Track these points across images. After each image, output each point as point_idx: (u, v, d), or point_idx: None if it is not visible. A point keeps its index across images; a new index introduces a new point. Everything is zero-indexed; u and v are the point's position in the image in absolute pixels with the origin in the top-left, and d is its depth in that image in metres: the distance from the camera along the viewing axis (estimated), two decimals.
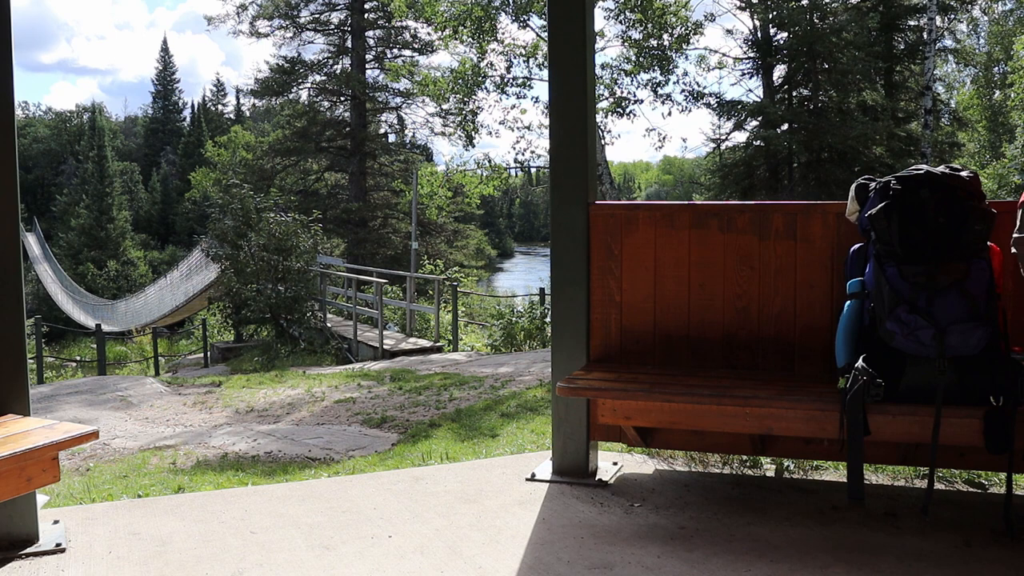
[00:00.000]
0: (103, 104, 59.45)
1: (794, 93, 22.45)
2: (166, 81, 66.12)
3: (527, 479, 3.27)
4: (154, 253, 49.07)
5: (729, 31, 24.55)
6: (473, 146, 18.48)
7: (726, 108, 21.60)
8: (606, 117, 17.75)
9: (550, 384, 3.59)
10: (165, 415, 8.00)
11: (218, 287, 18.93)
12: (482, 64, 17.14)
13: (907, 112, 21.85)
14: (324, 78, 34.76)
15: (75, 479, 4.94)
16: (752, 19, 22.35)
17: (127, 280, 41.74)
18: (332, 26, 34.49)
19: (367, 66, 34.40)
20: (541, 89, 18.14)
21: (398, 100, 34.92)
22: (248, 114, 62.35)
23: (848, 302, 2.61)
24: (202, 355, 19.03)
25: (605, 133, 17.71)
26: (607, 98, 17.73)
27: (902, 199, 2.46)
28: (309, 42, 34.83)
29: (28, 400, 2.68)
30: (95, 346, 16.81)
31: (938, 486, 3.11)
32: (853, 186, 2.69)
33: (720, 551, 2.56)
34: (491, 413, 6.49)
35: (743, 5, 21.96)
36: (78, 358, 22.25)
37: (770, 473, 3.34)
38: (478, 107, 17.80)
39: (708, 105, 20.76)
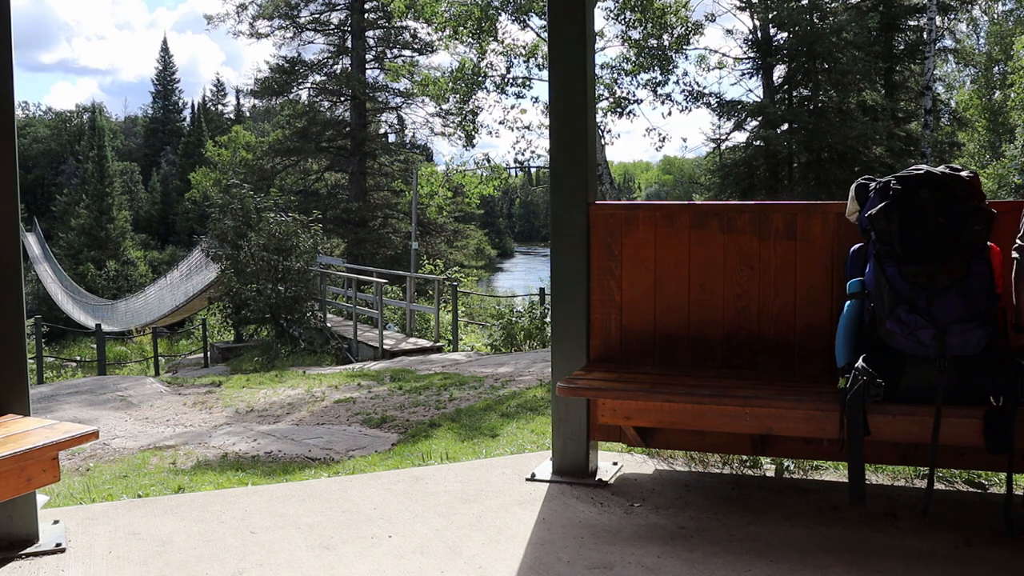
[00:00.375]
0: (103, 104, 59.63)
1: (794, 93, 22.45)
2: (166, 81, 66.14)
3: (527, 479, 3.27)
4: (154, 253, 49.09)
5: (729, 31, 24.57)
6: (473, 146, 18.51)
7: (726, 108, 21.60)
8: (606, 117, 17.76)
9: (550, 384, 3.59)
10: (165, 415, 8.00)
11: (218, 287, 18.93)
12: (482, 64, 17.14)
13: (907, 112, 21.85)
14: (324, 78, 34.78)
15: (75, 479, 4.94)
16: (752, 19, 22.36)
17: (127, 280, 41.75)
18: (332, 26, 34.50)
19: (367, 66, 34.41)
20: (541, 89, 18.17)
21: (398, 100, 34.97)
22: (248, 114, 62.37)
23: (848, 302, 2.61)
24: (202, 355, 19.03)
25: (605, 133, 17.73)
26: (607, 98, 17.74)
27: (902, 199, 2.46)
28: (309, 42, 34.89)
29: (28, 400, 2.68)
30: (95, 346, 16.81)
31: (938, 486, 3.11)
32: (853, 186, 2.69)
33: (720, 551, 2.56)
34: (491, 413, 6.49)
35: (743, 5, 21.96)
36: (78, 358, 22.25)
37: (770, 473, 3.34)
38: (478, 107, 17.82)
39: (708, 105, 20.78)
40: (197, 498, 3.26)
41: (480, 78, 17.14)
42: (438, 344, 13.82)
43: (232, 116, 65.17)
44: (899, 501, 2.96)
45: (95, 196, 45.44)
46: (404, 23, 31.62)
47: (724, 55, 22.53)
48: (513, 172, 19.52)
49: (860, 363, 2.42)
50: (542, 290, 15.25)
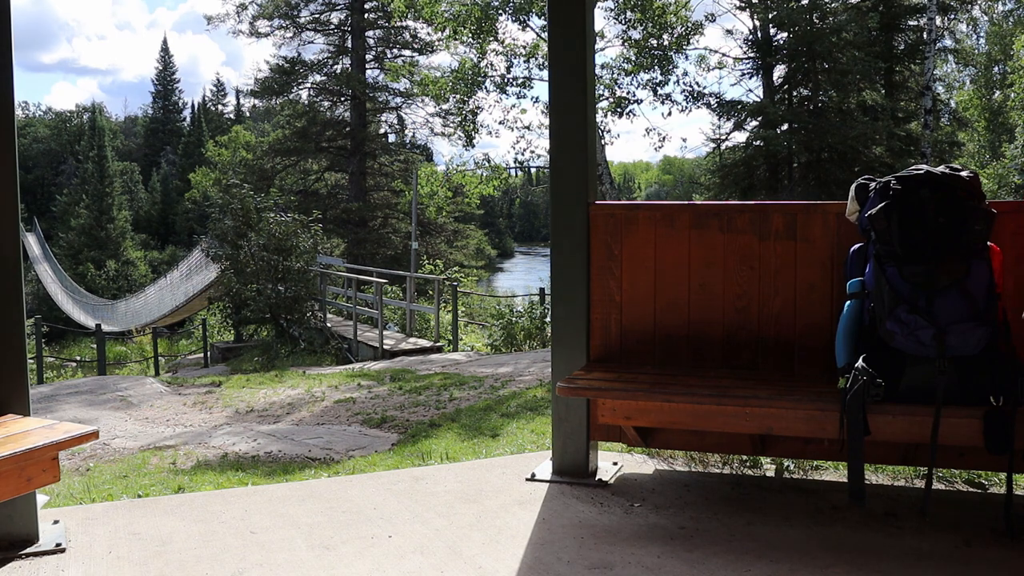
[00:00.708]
0: (103, 104, 59.62)
1: (794, 93, 22.45)
2: (166, 81, 66.15)
3: (527, 479, 3.27)
4: (154, 253, 49.10)
5: (729, 31, 24.55)
6: (473, 146, 18.49)
7: (726, 108, 21.60)
8: (606, 117, 17.75)
9: (550, 384, 3.59)
10: (165, 415, 8.00)
11: (218, 287, 18.93)
12: (482, 64, 17.14)
13: (907, 112, 21.85)
14: (324, 78, 34.79)
15: (75, 479, 4.94)
16: (752, 19, 22.37)
17: (127, 280, 41.76)
18: (332, 26, 34.51)
19: (367, 66, 34.42)
20: (541, 89, 18.17)
21: (398, 100, 34.99)
22: (248, 114, 62.38)
23: (848, 302, 2.61)
24: (202, 355, 19.03)
25: (605, 133, 17.72)
26: (607, 98, 17.73)
27: (902, 199, 2.46)
28: (309, 42, 34.90)
29: (28, 400, 2.68)
30: (95, 346, 16.81)
31: (938, 486, 3.11)
32: (853, 186, 2.69)
33: (720, 551, 2.56)
34: (491, 413, 6.49)
35: (743, 5, 21.96)
36: (78, 358, 22.25)
37: (770, 473, 3.34)
38: (478, 107, 17.81)
39: (708, 105, 20.78)
40: (197, 498, 3.26)
41: (480, 78, 17.14)
42: (438, 344, 13.82)
43: (232, 116, 65.21)
44: (899, 501, 2.96)
45: (95, 196, 45.44)
46: (404, 23, 31.64)
47: (724, 55, 22.56)
48: (513, 172, 19.52)
49: (860, 363, 2.42)
50: (542, 290, 15.25)
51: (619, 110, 17.73)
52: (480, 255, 40.76)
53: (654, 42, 17.28)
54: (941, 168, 2.49)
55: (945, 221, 2.41)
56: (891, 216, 2.44)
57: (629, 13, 17.14)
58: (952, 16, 22.74)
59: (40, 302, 36.76)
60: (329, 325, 16.60)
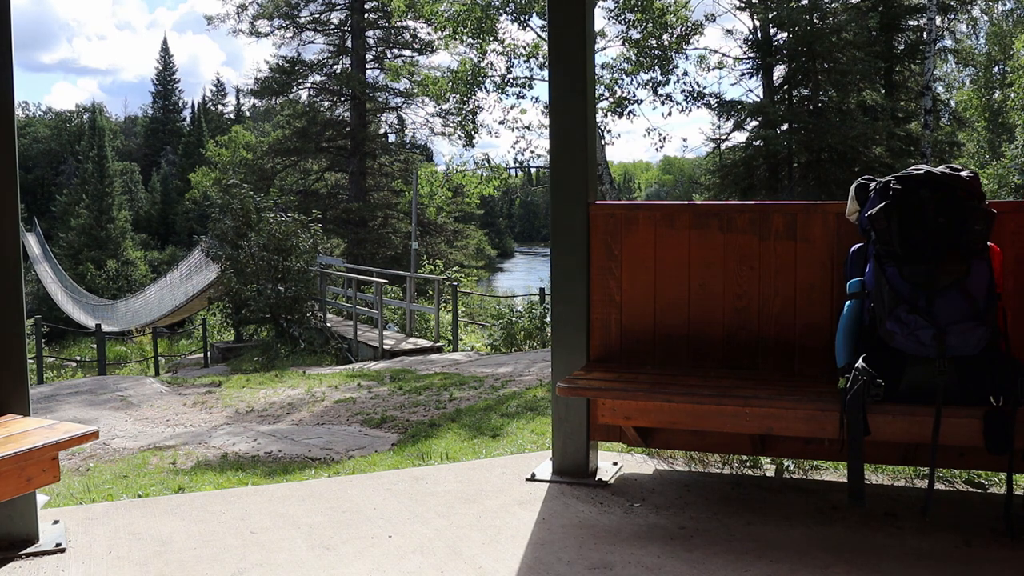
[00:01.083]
0: (103, 104, 59.54)
1: (794, 93, 22.45)
2: (166, 81, 66.16)
3: (527, 479, 3.27)
4: (154, 253, 49.09)
5: (729, 31, 24.58)
6: (473, 146, 18.50)
7: (726, 108, 21.60)
8: (606, 117, 17.75)
9: (550, 384, 3.59)
10: (165, 415, 8.00)
11: (218, 287, 18.93)
12: (482, 64, 17.14)
13: (907, 112, 21.85)
14: (324, 78, 34.79)
15: (75, 479, 4.94)
16: (752, 19, 22.36)
17: (127, 280, 41.74)
18: (332, 26, 34.51)
19: (367, 66, 34.42)
20: (541, 89, 18.16)
21: (398, 100, 34.99)
22: (248, 114, 62.35)
23: (848, 302, 2.61)
24: (202, 355, 19.02)
25: (605, 133, 17.72)
26: (607, 98, 17.74)
27: (902, 199, 2.46)
28: (309, 42, 34.90)
29: (28, 400, 2.68)
30: (95, 346, 16.81)
31: (938, 486, 3.11)
32: (853, 186, 2.69)
33: (720, 551, 2.56)
34: (491, 413, 6.49)
35: (743, 5, 21.96)
36: (78, 358, 22.25)
37: (770, 473, 3.34)
38: (478, 107, 17.82)
39: (708, 105, 20.78)
40: (197, 498, 3.26)
41: (480, 78, 17.14)
42: (438, 344, 13.82)
43: (232, 116, 65.19)
44: (899, 501, 2.96)
45: (95, 196, 45.43)
46: (404, 23, 31.66)
47: (724, 55, 22.56)
48: (513, 172, 19.51)
49: (860, 363, 2.41)
50: (542, 290, 15.25)
51: (619, 110, 17.73)
52: (480, 255, 40.75)
53: (654, 42, 17.29)
54: (941, 168, 2.49)
55: (945, 221, 2.41)
56: (891, 216, 2.44)
57: (629, 13, 17.14)
58: (952, 16, 22.74)
59: (40, 302, 36.75)
60: (329, 325, 16.60)
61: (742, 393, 2.60)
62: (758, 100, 22.44)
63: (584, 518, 2.86)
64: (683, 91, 19.97)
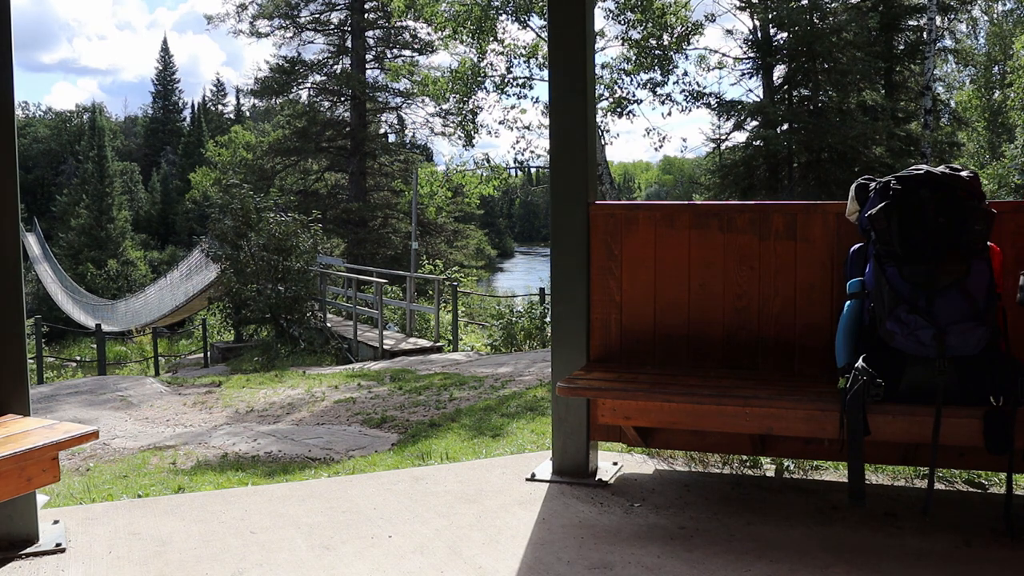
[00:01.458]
0: (103, 104, 59.50)
1: (794, 93, 22.44)
2: (166, 81, 66.17)
3: (527, 479, 3.27)
4: (154, 253, 49.08)
5: (729, 31, 24.51)
6: (473, 146, 18.50)
7: (726, 108, 21.59)
8: (606, 117, 17.75)
9: (550, 384, 3.59)
10: (165, 415, 8.00)
11: (218, 287, 18.92)
12: (482, 64, 17.14)
13: (907, 112, 21.84)
14: (324, 78, 34.80)
15: (75, 479, 4.94)
16: (752, 19, 22.35)
17: (127, 280, 41.74)
18: (332, 26, 34.51)
19: (367, 66, 34.42)
20: (541, 89, 18.17)
21: (398, 100, 35.00)
22: (248, 114, 62.34)
23: (848, 302, 2.61)
24: (202, 355, 19.02)
25: (605, 133, 17.72)
26: (607, 98, 17.74)
27: (902, 199, 2.46)
28: (309, 42, 34.91)
29: (28, 400, 2.68)
30: (95, 346, 16.80)
31: (938, 486, 3.11)
32: (853, 186, 2.69)
33: (720, 551, 2.56)
34: (491, 413, 6.49)
35: (743, 5, 21.95)
36: (78, 358, 22.25)
37: (770, 473, 3.34)
38: (478, 107, 17.81)
39: (708, 105, 20.77)
40: (197, 498, 3.26)
41: (480, 78, 17.14)
42: (438, 344, 13.82)
43: (232, 116, 65.18)
44: (899, 501, 2.96)
45: (95, 196, 45.44)
46: (404, 23, 31.65)
47: (724, 55, 22.55)
48: (513, 172, 19.51)
49: (860, 363, 2.41)
50: (542, 290, 15.25)
51: (619, 110, 17.73)
52: (480, 255, 40.76)
53: (654, 42, 17.29)
54: (941, 168, 2.49)
55: (945, 221, 2.41)
56: (891, 216, 2.44)
57: (629, 13, 17.13)
58: (952, 16, 22.74)
59: (40, 302, 36.76)
60: (329, 325, 16.60)
61: (742, 393, 2.60)
62: (758, 100, 22.44)
63: (584, 518, 2.86)
64: (683, 91, 19.97)
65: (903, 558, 2.49)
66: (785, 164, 22.16)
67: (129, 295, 34.53)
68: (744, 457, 3.40)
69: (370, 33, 34.68)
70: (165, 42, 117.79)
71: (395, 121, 36.18)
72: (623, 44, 17.74)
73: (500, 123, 20.40)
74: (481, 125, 17.95)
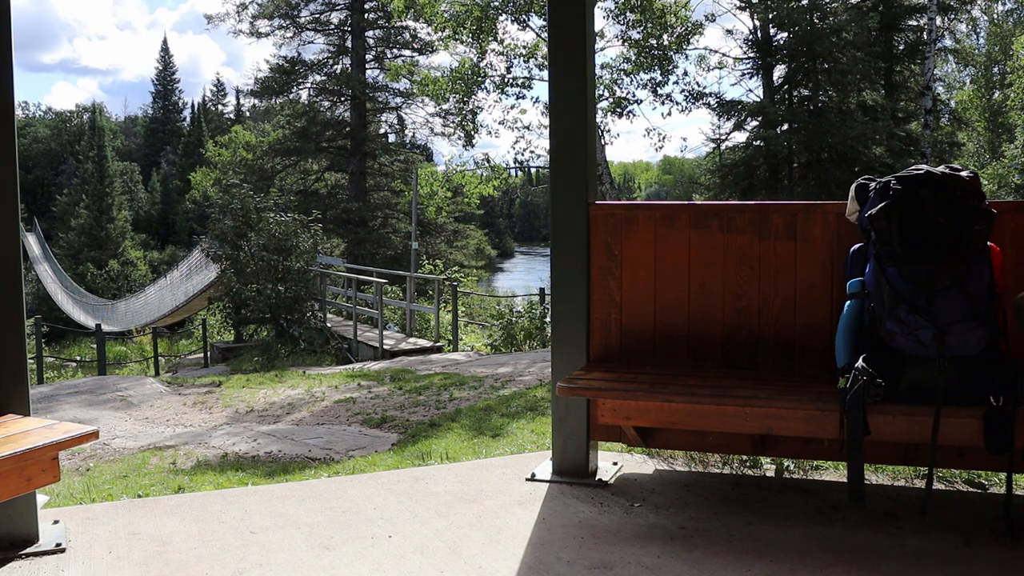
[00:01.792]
0: (103, 104, 59.39)
1: (794, 93, 22.45)
2: (166, 81, 66.16)
3: (527, 479, 3.27)
4: (154, 253, 49.07)
5: (729, 31, 24.52)
6: (473, 146, 18.49)
7: (726, 108, 21.60)
8: (606, 117, 17.75)
9: (550, 384, 3.59)
10: (165, 415, 8.00)
11: (218, 287, 18.92)
12: (482, 64, 17.13)
13: (907, 112, 21.85)
14: (324, 78, 34.79)
15: (75, 479, 4.94)
16: (752, 19, 22.36)
17: (127, 280, 41.73)
18: (332, 26, 34.52)
19: (367, 66, 34.42)
20: (541, 89, 18.15)
21: (398, 100, 35.00)
22: (248, 114, 62.33)
23: (848, 302, 2.61)
24: (202, 355, 19.02)
25: (605, 133, 17.71)
26: (607, 98, 17.73)
27: (902, 199, 2.46)
28: (309, 42, 34.91)
29: (28, 400, 2.68)
30: (95, 346, 16.81)
31: (938, 486, 3.11)
32: (853, 186, 2.69)
33: (720, 551, 2.56)
34: (491, 413, 6.49)
35: (743, 5, 21.96)
36: (78, 358, 22.25)
37: (770, 473, 3.34)
38: (478, 107, 17.81)
39: (708, 105, 20.77)
40: (197, 498, 3.26)
41: (480, 78, 17.13)
42: (438, 344, 13.82)
43: (232, 116, 65.21)
44: (899, 501, 2.96)
45: (95, 196, 45.43)
46: (404, 23, 31.63)
47: (724, 55, 22.56)
48: (513, 172, 19.51)
49: (860, 363, 2.41)
50: (542, 290, 15.25)
51: (619, 110, 17.72)
52: (480, 255, 40.77)
53: (654, 42, 17.28)
54: (941, 168, 2.49)
55: (945, 221, 2.41)
56: (891, 216, 2.44)
57: (629, 13, 17.13)
58: (952, 16, 22.75)
59: (40, 302, 36.75)
60: (329, 325, 16.60)
61: (742, 393, 2.60)
62: (758, 100, 22.44)
63: (584, 518, 2.86)
64: (683, 91, 19.95)
65: (903, 558, 2.49)
66: (785, 164, 22.16)
67: (129, 295, 34.53)
68: (744, 457, 3.40)
69: (370, 33, 34.69)
70: (165, 42, 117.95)
71: (395, 121, 36.22)
72: (623, 44, 17.73)
73: (500, 123, 20.43)
74: (481, 125, 17.95)
